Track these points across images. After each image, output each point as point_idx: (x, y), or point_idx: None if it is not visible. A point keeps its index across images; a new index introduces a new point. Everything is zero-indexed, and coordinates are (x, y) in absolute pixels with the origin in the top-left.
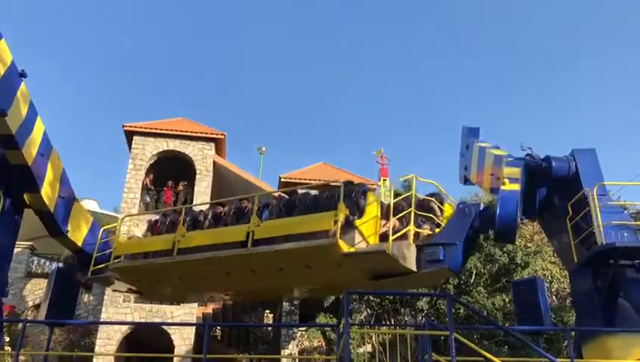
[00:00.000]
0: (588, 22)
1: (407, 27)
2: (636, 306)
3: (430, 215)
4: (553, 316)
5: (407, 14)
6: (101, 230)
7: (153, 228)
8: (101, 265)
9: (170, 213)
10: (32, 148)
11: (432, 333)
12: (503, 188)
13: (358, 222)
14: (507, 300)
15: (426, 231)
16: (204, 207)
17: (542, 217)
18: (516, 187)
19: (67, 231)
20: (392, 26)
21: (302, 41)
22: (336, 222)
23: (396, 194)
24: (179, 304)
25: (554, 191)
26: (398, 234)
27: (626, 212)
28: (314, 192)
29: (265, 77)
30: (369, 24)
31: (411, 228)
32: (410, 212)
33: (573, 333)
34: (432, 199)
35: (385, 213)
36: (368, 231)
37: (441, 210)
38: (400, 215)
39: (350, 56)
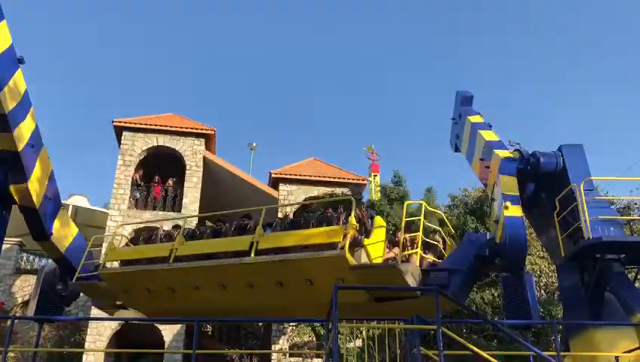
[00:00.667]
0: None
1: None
2: (622, 300)
3: (435, 243)
4: (541, 310)
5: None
6: (91, 239)
7: (147, 242)
8: (86, 274)
9: (165, 230)
10: (22, 135)
11: (420, 328)
12: (506, 213)
13: (365, 241)
14: (496, 294)
15: (430, 257)
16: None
17: (530, 212)
18: (519, 212)
19: (51, 235)
20: (384, 21)
21: (290, 35)
22: (345, 236)
23: (385, 190)
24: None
25: (542, 186)
26: (407, 253)
27: (613, 207)
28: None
29: (255, 72)
30: (367, 22)
31: (419, 252)
32: (417, 236)
33: (560, 327)
34: (439, 229)
35: (388, 240)
36: (375, 252)
37: (444, 243)
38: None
39: (340, 50)
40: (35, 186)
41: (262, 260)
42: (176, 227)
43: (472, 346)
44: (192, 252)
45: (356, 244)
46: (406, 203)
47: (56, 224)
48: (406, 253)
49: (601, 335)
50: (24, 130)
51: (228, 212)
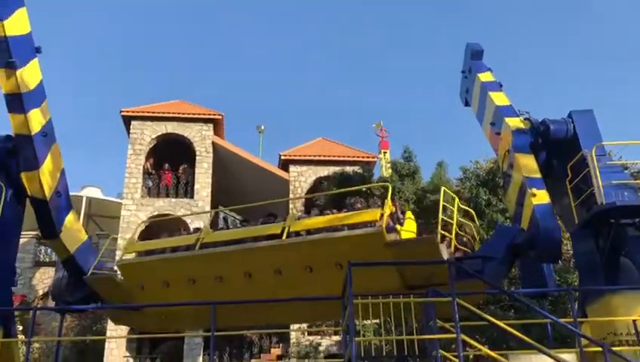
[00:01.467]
0: None
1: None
2: (638, 264)
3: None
4: (557, 278)
5: None
6: (108, 239)
7: (171, 235)
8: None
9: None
10: (36, 120)
11: (435, 300)
12: (534, 201)
13: (399, 227)
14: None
15: (462, 248)
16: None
17: (543, 181)
18: (547, 198)
19: (60, 233)
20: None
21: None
22: (382, 216)
23: (396, 166)
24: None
25: (553, 154)
26: (440, 232)
27: (626, 171)
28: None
29: (259, 54)
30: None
31: (453, 239)
32: (450, 224)
33: (576, 294)
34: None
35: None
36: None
37: (474, 238)
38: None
39: (348, 30)
40: (46, 176)
41: (294, 241)
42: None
43: (488, 316)
44: (220, 238)
45: (390, 230)
46: (443, 189)
47: (66, 223)
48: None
49: (618, 300)
50: (38, 117)
51: (253, 205)
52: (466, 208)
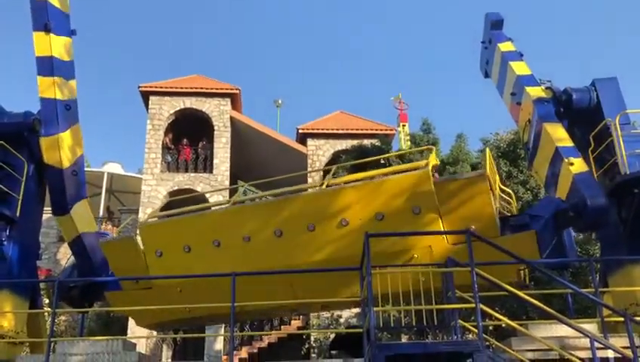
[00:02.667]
0: None
1: None
2: None
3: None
4: (579, 250)
5: None
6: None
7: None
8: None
9: None
10: (62, 89)
11: (453, 269)
12: (573, 170)
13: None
14: None
15: (504, 213)
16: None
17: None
18: (584, 166)
19: (71, 209)
20: None
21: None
22: (427, 164)
23: (415, 138)
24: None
25: (575, 123)
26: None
27: None
28: None
29: (276, 26)
30: None
31: (497, 195)
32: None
33: (597, 265)
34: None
35: None
36: None
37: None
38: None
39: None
40: (64, 147)
41: (335, 188)
42: None
43: (507, 286)
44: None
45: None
46: (487, 151)
47: (79, 205)
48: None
49: None
50: (64, 87)
51: (272, 179)
52: (503, 187)
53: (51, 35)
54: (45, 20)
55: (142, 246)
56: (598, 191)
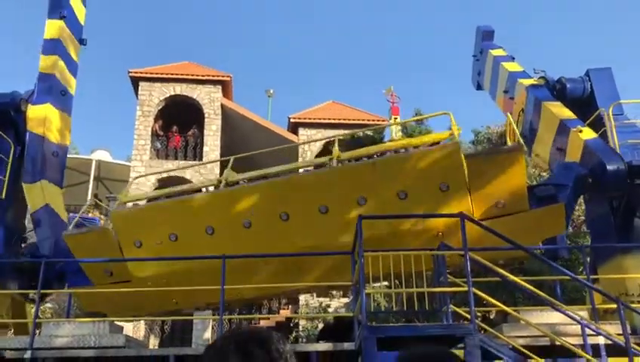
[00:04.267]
0: None
1: None
2: None
3: None
4: (568, 242)
5: None
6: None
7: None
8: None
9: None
10: (62, 72)
11: (446, 253)
12: (583, 137)
13: None
14: None
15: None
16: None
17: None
18: (594, 133)
19: (28, 182)
20: None
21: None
22: (452, 135)
23: (407, 129)
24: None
25: None
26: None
27: None
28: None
29: (269, 16)
30: None
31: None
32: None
33: (588, 251)
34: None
35: None
36: None
37: None
38: None
39: None
40: (51, 118)
41: (351, 165)
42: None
43: (499, 270)
44: (247, 177)
45: None
46: (509, 116)
47: (52, 187)
48: None
49: (630, 261)
50: (65, 73)
51: (252, 153)
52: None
53: (63, 23)
54: (61, 10)
55: (116, 237)
56: (614, 154)
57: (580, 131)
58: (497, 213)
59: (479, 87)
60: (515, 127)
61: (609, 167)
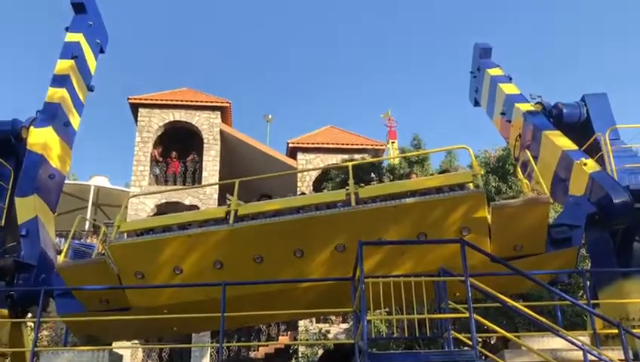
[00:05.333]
0: None
1: None
2: None
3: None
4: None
5: None
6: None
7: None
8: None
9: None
10: (68, 105)
11: (447, 279)
12: (588, 170)
13: None
14: None
15: None
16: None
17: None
18: (597, 166)
19: (20, 196)
20: None
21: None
22: (475, 176)
23: (404, 152)
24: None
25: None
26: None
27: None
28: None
29: (267, 43)
30: None
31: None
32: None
33: (589, 276)
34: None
35: None
36: None
37: None
38: None
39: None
40: (52, 141)
41: (372, 208)
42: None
43: (501, 296)
44: (260, 210)
45: None
46: (527, 152)
47: (45, 207)
48: None
49: (631, 285)
50: (70, 106)
51: (257, 178)
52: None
53: (75, 62)
54: (73, 52)
55: (115, 268)
56: (619, 187)
57: (585, 164)
58: (514, 255)
59: (476, 103)
60: (537, 170)
61: (616, 201)
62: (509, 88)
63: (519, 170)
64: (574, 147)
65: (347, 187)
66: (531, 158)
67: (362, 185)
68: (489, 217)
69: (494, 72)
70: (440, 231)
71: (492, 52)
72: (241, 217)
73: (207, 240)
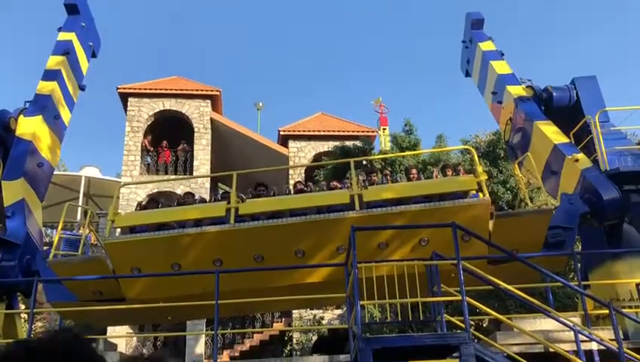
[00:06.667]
0: None
1: None
2: None
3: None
4: None
5: None
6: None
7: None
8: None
9: (162, 199)
10: (59, 98)
11: (439, 263)
12: (580, 167)
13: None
14: None
15: None
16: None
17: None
18: (589, 162)
19: (7, 180)
20: None
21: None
22: (479, 184)
23: (396, 139)
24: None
25: (556, 121)
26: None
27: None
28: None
29: (258, 29)
30: None
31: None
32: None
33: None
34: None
35: None
36: None
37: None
38: None
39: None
40: (41, 130)
41: (376, 213)
42: (189, 194)
43: (491, 278)
44: (261, 209)
45: None
46: (528, 155)
47: (33, 194)
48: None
49: (621, 266)
50: (61, 99)
51: (254, 171)
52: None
53: (65, 58)
54: (67, 50)
55: (111, 264)
56: (609, 185)
57: (577, 160)
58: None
59: (467, 74)
60: (539, 177)
61: (605, 198)
62: (500, 67)
63: (516, 166)
64: (566, 139)
65: (348, 188)
66: (533, 163)
67: (367, 187)
68: (491, 223)
69: (486, 46)
70: (442, 236)
71: (484, 22)
72: (241, 216)
73: (206, 238)
